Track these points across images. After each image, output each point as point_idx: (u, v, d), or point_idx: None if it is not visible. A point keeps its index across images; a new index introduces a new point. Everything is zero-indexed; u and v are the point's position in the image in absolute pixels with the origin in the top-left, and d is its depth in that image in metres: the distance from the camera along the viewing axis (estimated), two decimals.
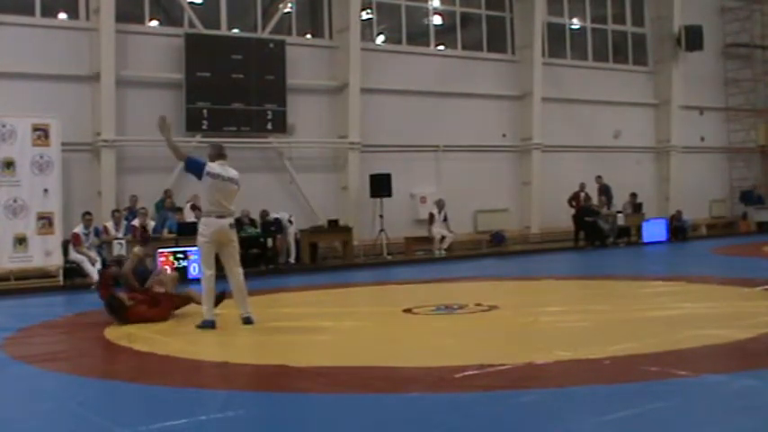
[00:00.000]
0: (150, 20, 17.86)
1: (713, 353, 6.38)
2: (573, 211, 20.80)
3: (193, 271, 14.89)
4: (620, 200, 21.83)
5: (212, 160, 8.76)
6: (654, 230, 21.69)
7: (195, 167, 8.71)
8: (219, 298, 9.02)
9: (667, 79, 24.65)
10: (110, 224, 15.25)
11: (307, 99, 19.03)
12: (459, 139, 20.95)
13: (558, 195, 21.12)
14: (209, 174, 8.58)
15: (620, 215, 21.16)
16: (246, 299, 8.80)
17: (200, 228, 8.79)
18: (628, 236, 21.56)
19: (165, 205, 16.33)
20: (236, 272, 8.75)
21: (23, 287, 14.22)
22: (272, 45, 18.42)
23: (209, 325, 8.47)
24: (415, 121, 20.19)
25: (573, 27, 23.90)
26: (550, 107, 22.24)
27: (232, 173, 8.78)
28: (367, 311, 10.15)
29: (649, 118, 24.95)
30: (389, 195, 18.42)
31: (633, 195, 22.21)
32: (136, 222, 15.31)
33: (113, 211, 15.61)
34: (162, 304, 9.33)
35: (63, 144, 14.99)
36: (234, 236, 8.80)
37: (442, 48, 21.53)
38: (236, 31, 18.81)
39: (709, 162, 25.77)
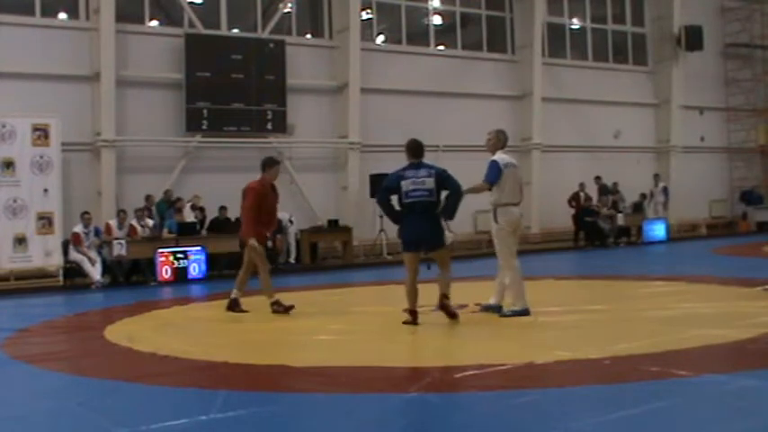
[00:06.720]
0: (150, 20, 17.84)
1: (713, 353, 6.38)
2: (573, 210, 20.82)
3: (193, 271, 14.91)
4: (628, 199, 21.94)
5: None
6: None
7: (496, 173, 9.21)
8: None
9: (667, 79, 24.64)
10: (113, 222, 15.16)
11: (307, 99, 19.01)
12: (460, 139, 20.88)
13: (558, 195, 21.11)
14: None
15: (620, 215, 21.17)
16: (507, 292, 8.77)
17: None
18: (628, 236, 21.58)
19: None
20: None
21: (23, 287, 14.22)
22: (272, 45, 18.40)
23: (524, 313, 8.46)
24: (414, 121, 20.09)
25: (573, 27, 23.88)
26: (550, 107, 22.23)
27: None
28: (367, 311, 10.14)
29: (649, 118, 24.94)
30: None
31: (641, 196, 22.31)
32: (134, 222, 15.27)
33: (119, 211, 15.57)
34: None
35: (63, 144, 15.02)
36: (494, 227, 9.31)
37: (441, 48, 21.51)
38: (236, 31, 18.79)
39: (709, 162, 25.75)
